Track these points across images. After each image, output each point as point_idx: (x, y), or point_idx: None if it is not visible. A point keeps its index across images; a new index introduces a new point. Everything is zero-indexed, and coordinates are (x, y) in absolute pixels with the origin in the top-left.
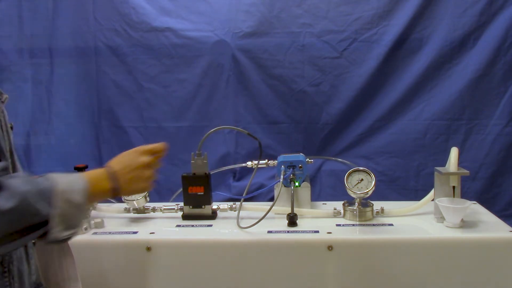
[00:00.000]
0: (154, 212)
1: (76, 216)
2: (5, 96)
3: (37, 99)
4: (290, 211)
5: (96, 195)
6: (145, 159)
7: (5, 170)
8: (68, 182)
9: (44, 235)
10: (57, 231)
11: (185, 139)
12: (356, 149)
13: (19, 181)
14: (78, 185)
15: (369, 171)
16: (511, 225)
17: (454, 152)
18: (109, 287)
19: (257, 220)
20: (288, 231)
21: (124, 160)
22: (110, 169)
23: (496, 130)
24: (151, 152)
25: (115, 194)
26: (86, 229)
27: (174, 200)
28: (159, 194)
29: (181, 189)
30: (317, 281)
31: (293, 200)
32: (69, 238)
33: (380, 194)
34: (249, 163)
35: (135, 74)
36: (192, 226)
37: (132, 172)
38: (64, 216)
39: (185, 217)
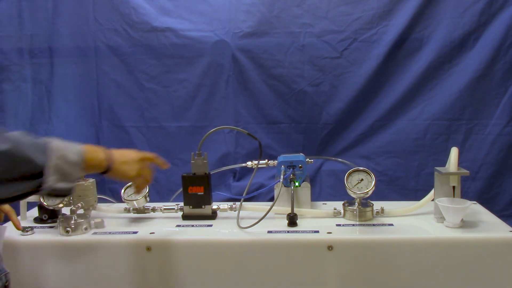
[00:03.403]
0: (154, 212)
1: (71, 173)
2: None
3: (37, 99)
4: (290, 211)
5: (90, 163)
6: (138, 155)
7: None
8: (64, 143)
9: (39, 189)
10: (51, 180)
11: (185, 139)
12: (356, 149)
13: (15, 132)
14: (74, 147)
15: (369, 171)
16: (511, 225)
17: (454, 152)
18: (109, 287)
19: (257, 220)
20: (288, 231)
21: (122, 150)
22: (107, 149)
23: (496, 130)
24: (146, 159)
25: (107, 170)
26: (86, 229)
27: (174, 200)
28: (159, 194)
29: (181, 189)
30: (317, 281)
31: (293, 200)
32: (65, 192)
33: (380, 194)
34: (249, 163)
35: (135, 74)
36: (192, 226)
37: (126, 157)
38: (59, 170)
39: (185, 217)
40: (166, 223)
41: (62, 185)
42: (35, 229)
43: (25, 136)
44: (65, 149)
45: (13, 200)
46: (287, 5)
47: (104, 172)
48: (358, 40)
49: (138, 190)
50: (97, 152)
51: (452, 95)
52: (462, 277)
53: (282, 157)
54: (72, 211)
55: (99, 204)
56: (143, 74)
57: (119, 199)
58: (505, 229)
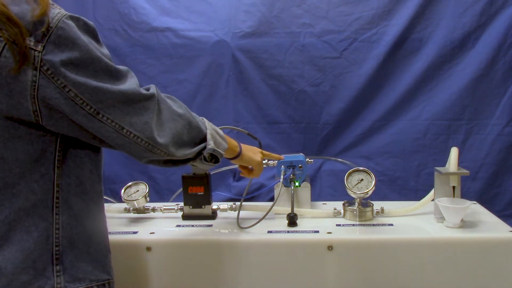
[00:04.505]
0: (154, 212)
1: (221, 143)
2: None
3: None
4: (290, 211)
5: (230, 143)
6: (261, 154)
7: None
8: (206, 121)
9: (202, 152)
10: (211, 144)
11: None
12: (356, 149)
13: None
14: (217, 128)
15: (369, 171)
16: (511, 225)
17: (454, 152)
18: None
19: (257, 220)
20: (288, 231)
21: (250, 148)
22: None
23: (496, 130)
24: (268, 157)
25: (238, 155)
26: None
27: (174, 200)
28: (159, 194)
29: (181, 189)
30: (317, 281)
31: (293, 200)
32: (218, 159)
33: (380, 194)
34: None
35: (135, 73)
36: (192, 226)
37: (251, 147)
38: (214, 138)
39: (185, 217)
40: (166, 223)
41: (218, 150)
42: None
43: (173, 98)
44: (213, 127)
45: (185, 162)
46: (287, 5)
47: (234, 158)
48: (358, 40)
49: (254, 175)
50: (230, 138)
51: (452, 95)
52: (462, 277)
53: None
54: None
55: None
56: (143, 74)
57: (119, 199)
58: (505, 229)
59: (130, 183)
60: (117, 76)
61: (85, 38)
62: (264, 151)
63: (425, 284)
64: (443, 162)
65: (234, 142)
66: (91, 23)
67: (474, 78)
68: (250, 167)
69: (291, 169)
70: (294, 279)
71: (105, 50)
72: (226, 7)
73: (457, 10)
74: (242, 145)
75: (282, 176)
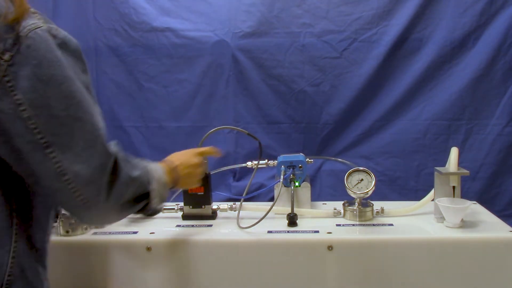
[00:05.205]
0: None
1: (165, 194)
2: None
3: None
4: (290, 211)
5: (170, 182)
6: (197, 159)
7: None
8: (154, 164)
9: (142, 209)
10: (155, 203)
11: (185, 139)
12: (356, 149)
13: (134, 159)
14: (160, 168)
15: (369, 171)
16: (511, 225)
17: (454, 152)
18: (109, 287)
19: (257, 220)
20: (288, 231)
21: (181, 158)
22: (171, 163)
23: (496, 130)
24: (202, 154)
25: (174, 185)
26: (86, 229)
27: (174, 200)
28: None
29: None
30: (317, 281)
31: (293, 200)
32: (158, 212)
33: (380, 194)
34: (249, 163)
35: (135, 74)
36: (192, 226)
37: (187, 169)
38: (159, 193)
39: (185, 217)
40: (166, 223)
41: (160, 206)
42: None
43: (130, 157)
44: (158, 170)
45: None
46: (287, 5)
47: (172, 187)
48: (358, 40)
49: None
50: (167, 173)
51: (452, 95)
52: (462, 277)
53: (282, 157)
54: None
55: None
56: (143, 74)
57: None
58: (505, 229)
59: None
60: (87, 109)
61: (61, 56)
62: (199, 149)
63: (425, 284)
64: (443, 162)
65: (171, 175)
66: (74, 43)
67: (474, 78)
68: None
69: (291, 169)
70: (294, 279)
71: (85, 77)
72: (226, 7)
73: (457, 10)
74: (179, 168)
75: (282, 176)
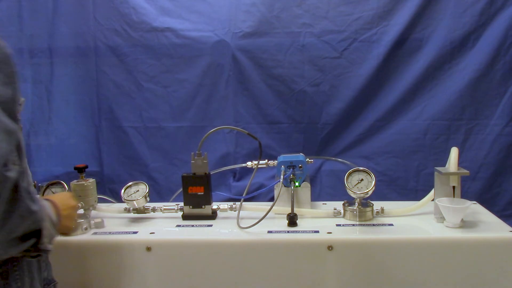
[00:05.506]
0: (154, 212)
1: (53, 235)
2: (22, 99)
3: (37, 99)
4: (290, 211)
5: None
6: (74, 202)
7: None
8: (44, 201)
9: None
10: (45, 242)
11: (185, 139)
12: (356, 149)
13: (33, 189)
14: (49, 207)
15: (369, 171)
16: (511, 225)
17: (454, 152)
18: (109, 287)
19: (257, 220)
20: (288, 231)
21: (59, 199)
22: (54, 203)
23: (496, 130)
24: (76, 199)
25: (57, 225)
26: (86, 229)
27: (174, 200)
28: (159, 194)
29: (181, 189)
30: (317, 281)
31: (293, 200)
32: (48, 252)
33: (380, 194)
34: (249, 163)
35: (135, 74)
36: (192, 226)
37: (66, 211)
38: (49, 230)
39: (185, 217)
40: (166, 223)
41: (50, 247)
42: None
43: (31, 186)
44: (48, 208)
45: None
46: (287, 5)
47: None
48: (358, 40)
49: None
50: (54, 211)
51: (452, 95)
52: (462, 277)
53: (282, 157)
54: None
55: (99, 204)
56: (143, 74)
57: (119, 199)
58: (505, 229)
59: (130, 183)
60: None
61: None
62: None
63: (425, 284)
64: (443, 162)
65: (56, 218)
66: (2, 47)
67: (474, 78)
68: None
69: (291, 169)
70: (294, 279)
71: (5, 89)
72: (226, 7)
73: (457, 10)
74: (60, 209)
75: (282, 176)
